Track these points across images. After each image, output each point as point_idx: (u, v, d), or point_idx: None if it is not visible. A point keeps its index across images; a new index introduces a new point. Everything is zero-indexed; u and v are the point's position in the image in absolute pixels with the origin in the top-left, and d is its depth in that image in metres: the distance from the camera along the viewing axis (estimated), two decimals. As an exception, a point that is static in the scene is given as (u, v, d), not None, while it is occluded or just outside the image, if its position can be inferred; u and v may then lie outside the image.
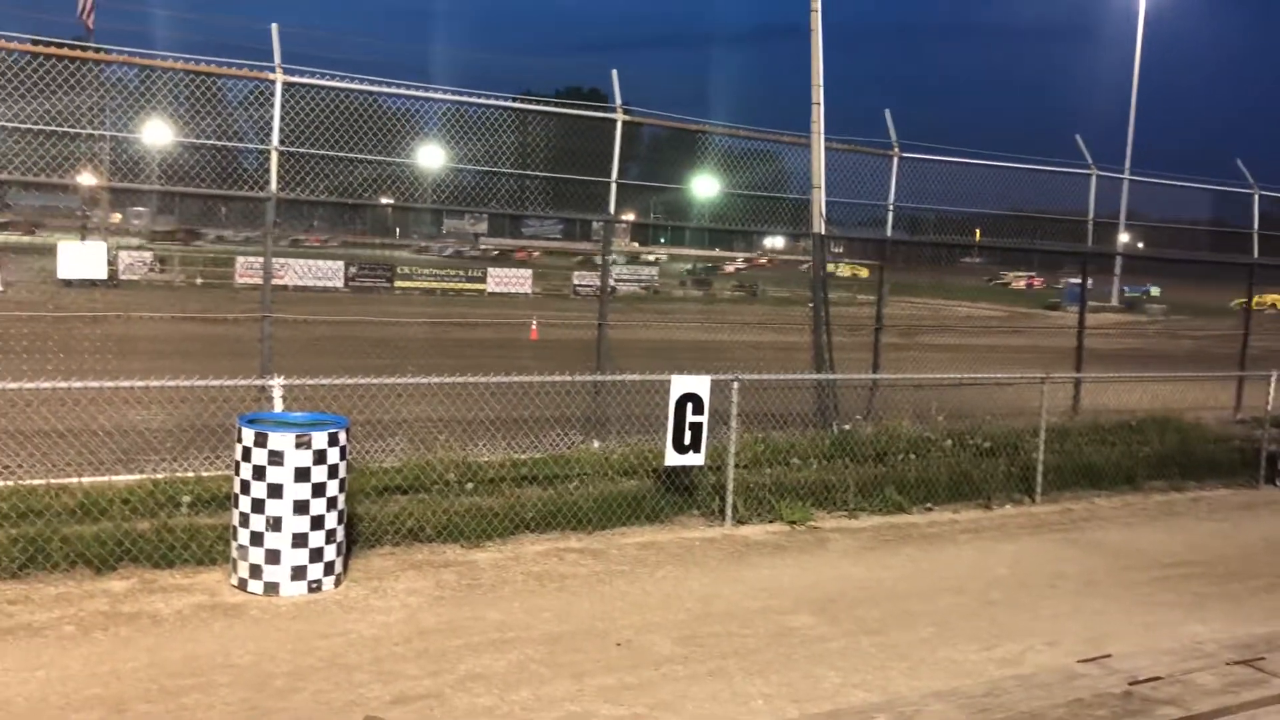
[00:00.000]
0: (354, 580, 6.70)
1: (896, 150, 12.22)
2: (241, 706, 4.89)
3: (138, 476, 7.70)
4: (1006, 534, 9.13)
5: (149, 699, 4.90)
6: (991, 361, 17.27)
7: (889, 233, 12.59)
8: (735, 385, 8.55)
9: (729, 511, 8.55)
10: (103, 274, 8.15)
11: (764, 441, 9.98)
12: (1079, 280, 16.75)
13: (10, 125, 8.40)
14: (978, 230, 14.30)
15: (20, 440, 7.99)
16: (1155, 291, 45.64)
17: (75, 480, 7.51)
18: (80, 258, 8.20)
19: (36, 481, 7.40)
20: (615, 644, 5.97)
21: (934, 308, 30.53)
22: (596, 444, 9.81)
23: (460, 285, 38.95)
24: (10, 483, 7.39)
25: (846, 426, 10.93)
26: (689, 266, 48.76)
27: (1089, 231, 14.14)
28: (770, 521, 8.69)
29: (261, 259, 9.66)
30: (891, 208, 12.38)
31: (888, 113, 12.31)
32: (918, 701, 5.37)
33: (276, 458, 6.25)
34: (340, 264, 36.02)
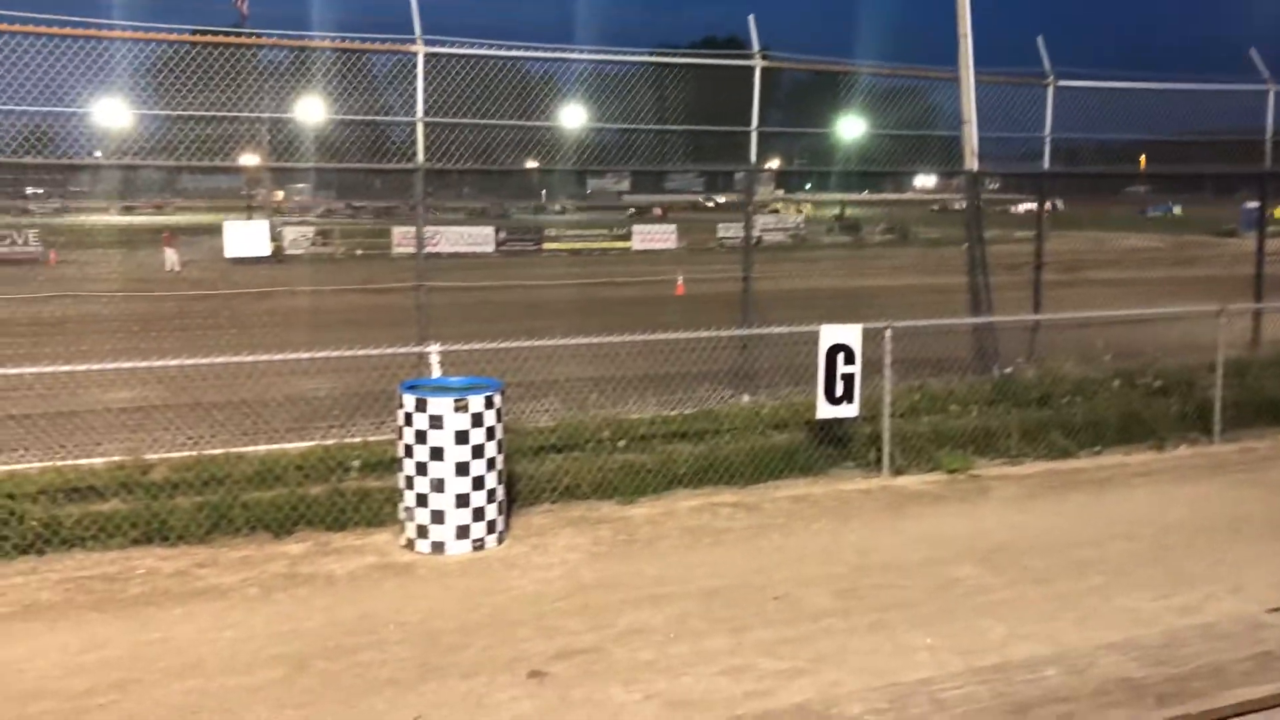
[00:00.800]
0: (515, 538, 6.88)
1: (1051, 79, 11.61)
2: (413, 662, 5.10)
3: (309, 443, 8.05)
4: (1182, 476, 8.68)
5: (327, 656, 5.16)
6: (1161, 295, 16.38)
7: (1046, 165, 12.01)
8: (888, 333, 8.35)
9: (886, 462, 8.40)
10: (266, 251, 8.55)
11: (920, 389, 9.73)
12: (1256, 204, 15.66)
13: (178, 113, 8.83)
14: (1142, 157, 13.51)
15: (200, 412, 8.48)
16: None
17: (252, 449, 7.93)
18: (245, 237, 8.61)
19: (216, 451, 7.83)
20: (772, 598, 5.96)
21: (1098, 240, 29.18)
22: (746, 398, 9.76)
23: (606, 244, 39.29)
24: (194, 453, 7.84)
25: (1008, 370, 10.55)
26: (836, 212, 47.87)
27: (1267, 152, 13.17)
28: (929, 471, 8.49)
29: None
30: (1048, 139, 11.80)
31: (1040, 40, 11.70)
32: (1090, 653, 5.17)
33: (437, 422, 6.45)
34: (490, 229, 36.80)
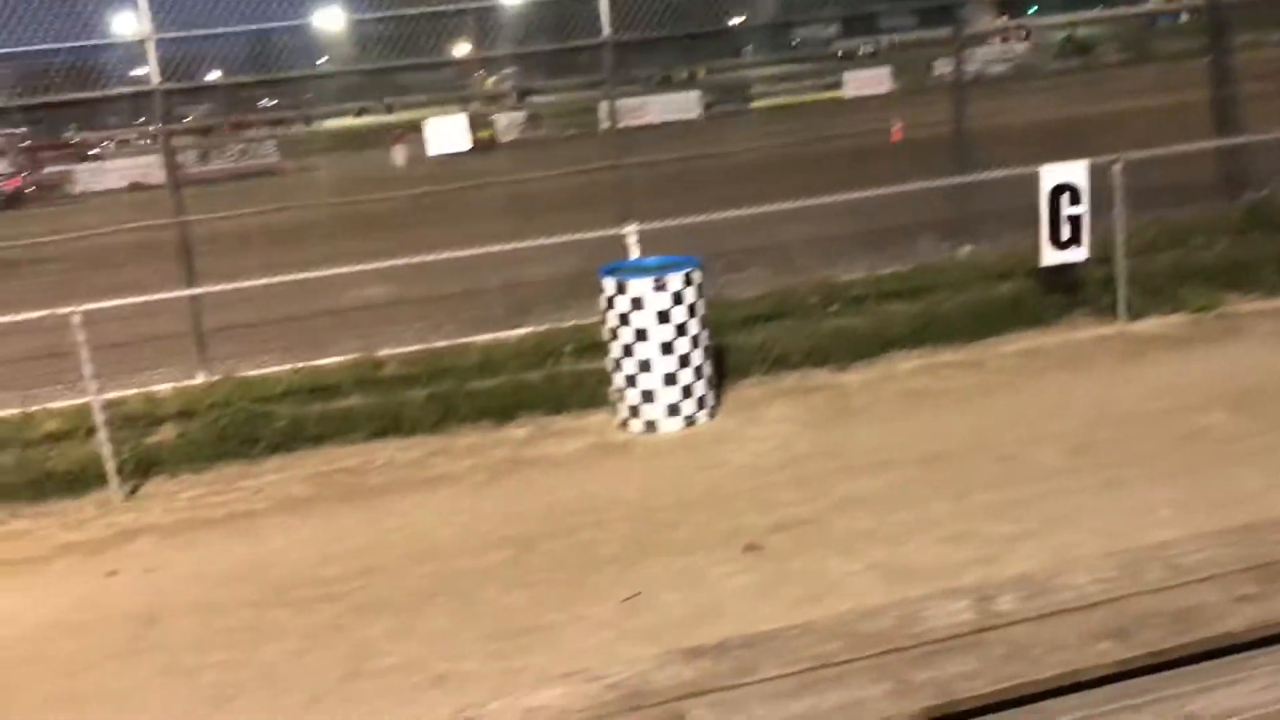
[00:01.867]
0: (727, 412, 6.88)
1: None
2: (632, 538, 5.22)
3: (525, 330, 8.28)
4: None
5: (551, 535, 5.36)
6: None
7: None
8: (1118, 168, 7.65)
9: (1121, 306, 7.80)
10: (465, 145, 8.71)
11: (1158, 224, 8.93)
12: None
13: (390, 14, 9.03)
14: None
15: (422, 306, 8.86)
16: None
17: (473, 339, 8.23)
18: (445, 132, 8.77)
19: (441, 344, 8.17)
20: (997, 459, 5.71)
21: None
22: (966, 249, 9.26)
23: (817, 95, 37.89)
24: (422, 346, 8.22)
25: (1262, 193, 9.51)
26: (1064, 34, 44.21)
27: None
28: (1170, 312, 7.82)
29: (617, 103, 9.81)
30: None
31: None
32: (1362, 505, 4.69)
33: (638, 303, 6.45)
34: (694, 94, 36.16)
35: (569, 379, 7.33)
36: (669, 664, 2.17)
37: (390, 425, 7.04)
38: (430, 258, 7.66)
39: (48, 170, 27.90)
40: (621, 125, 10.21)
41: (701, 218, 7.73)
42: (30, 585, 5.51)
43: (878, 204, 8.60)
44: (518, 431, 6.94)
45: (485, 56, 9.97)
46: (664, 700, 2.04)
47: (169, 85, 8.55)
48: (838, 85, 38.38)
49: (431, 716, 3.87)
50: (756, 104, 37.59)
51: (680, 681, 2.09)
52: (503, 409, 7.13)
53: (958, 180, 9.19)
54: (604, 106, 10.81)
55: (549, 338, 7.97)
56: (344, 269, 7.72)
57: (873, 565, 4.71)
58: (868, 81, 37.72)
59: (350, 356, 8.03)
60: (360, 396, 7.47)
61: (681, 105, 34.23)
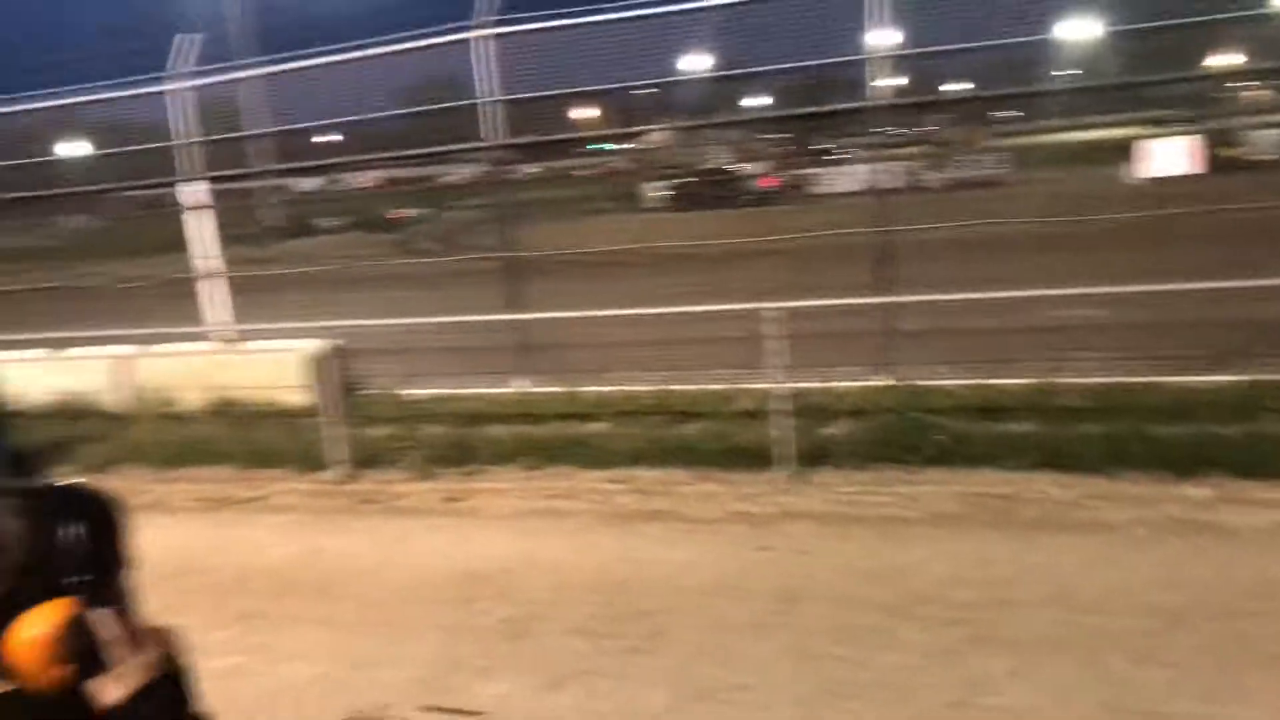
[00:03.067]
0: None
1: None
2: (1312, 644, 4.42)
3: (1227, 378, 7.37)
4: None
5: (1210, 615, 4.75)
6: None
7: None
8: None
9: None
10: (1191, 167, 7.93)
11: None
12: None
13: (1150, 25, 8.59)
14: None
15: (1118, 334, 8.30)
16: None
17: (1165, 379, 7.53)
18: (1170, 151, 8.08)
19: (1127, 379, 7.60)
20: None
21: None
22: None
23: None
24: (1106, 379, 7.73)
25: None
26: None
27: None
28: None
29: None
30: None
31: None
32: None
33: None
34: None
35: (1272, 440, 6.38)
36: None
37: (1053, 458, 6.75)
38: (1135, 289, 7.18)
39: (796, 172, 30.98)
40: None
41: None
42: (702, 543, 6.29)
43: None
44: (1196, 490, 6.22)
45: (1249, 68, 8.94)
46: None
47: (899, 100, 9.02)
48: None
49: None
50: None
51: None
52: (1183, 462, 6.44)
53: None
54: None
55: (1256, 390, 7.01)
56: (1036, 291, 7.55)
57: None
58: None
59: (1028, 380, 7.84)
60: (1029, 423, 7.27)
61: None
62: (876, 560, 5.81)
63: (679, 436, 7.77)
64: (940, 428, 7.21)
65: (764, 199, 28.63)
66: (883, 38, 8.67)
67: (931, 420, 7.29)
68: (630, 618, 5.33)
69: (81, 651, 1.31)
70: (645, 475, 7.45)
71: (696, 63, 9.91)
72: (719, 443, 7.51)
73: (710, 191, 28.00)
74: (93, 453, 8.88)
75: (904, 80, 9.47)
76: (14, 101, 10.60)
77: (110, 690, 1.32)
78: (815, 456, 7.24)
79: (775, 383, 7.16)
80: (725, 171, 31.10)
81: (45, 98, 10.64)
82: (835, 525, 6.36)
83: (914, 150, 26.75)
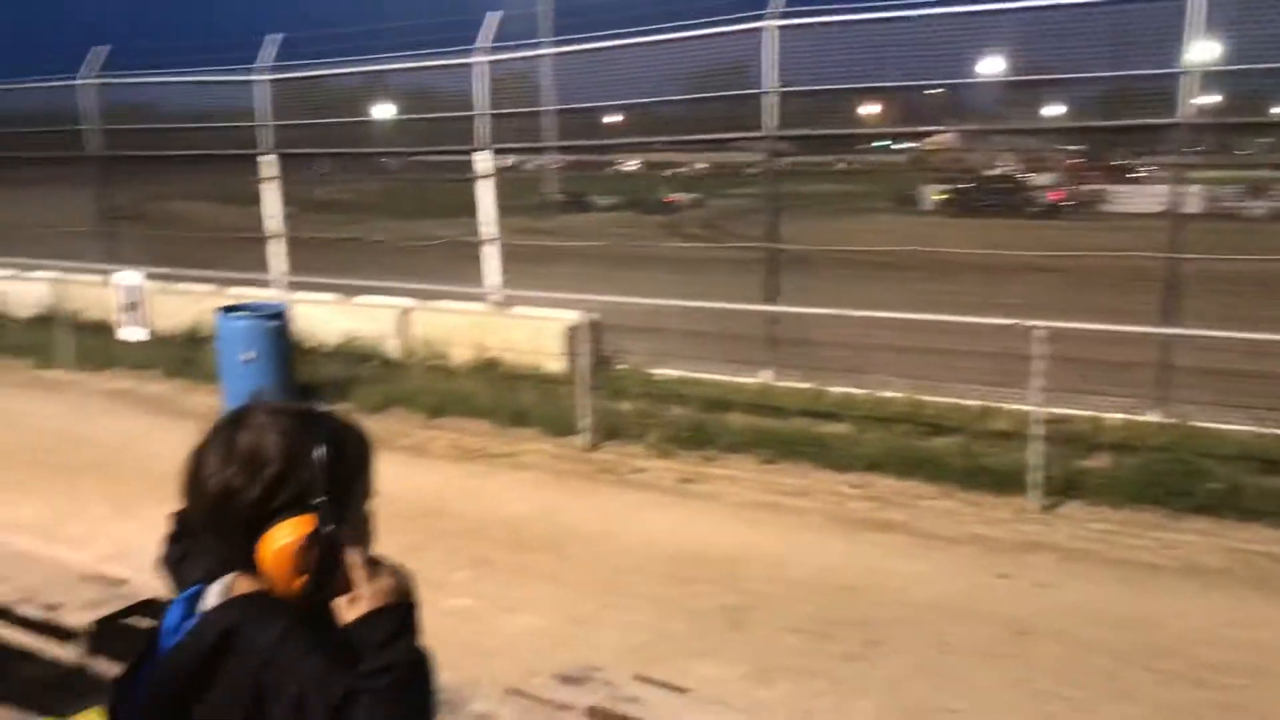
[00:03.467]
0: None
1: None
2: None
3: None
4: None
5: None
6: None
7: None
8: None
9: None
10: None
11: None
12: None
13: None
14: None
15: None
16: None
17: None
18: None
19: None
20: None
21: None
22: None
23: None
24: None
25: None
26: None
27: None
28: None
29: None
30: None
31: None
32: None
33: None
34: None
35: None
36: None
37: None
38: None
39: (1086, 187, 29.22)
40: None
41: None
42: (935, 560, 6.09)
43: None
44: None
45: None
46: None
47: (1217, 120, 8.34)
48: None
49: None
50: None
51: None
52: None
53: None
54: None
55: None
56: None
57: None
58: None
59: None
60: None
61: None
62: (1120, 604, 5.45)
63: (925, 448, 7.54)
64: (1214, 474, 6.64)
65: (1050, 211, 27.24)
66: (1201, 51, 8.02)
67: (1205, 465, 6.72)
68: (850, 623, 5.26)
69: (320, 566, 1.43)
70: (884, 483, 7.30)
71: (991, 65, 9.52)
72: (967, 460, 7.23)
73: (993, 199, 26.87)
74: (369, 393, 9.61)
75: (1220, 98, 8.72)
76: (334, 65, 11.57)
77: (347, 609, 1.44)
78: (1068, 487, 6.85)
79: (1035, 404, 6.81)
80: (1012, 179, 29.75)
81: (362, 63, 11.56)
82: (1081, 562, 6.01)
83: (1229, 174, 24.60)
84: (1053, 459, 6.85)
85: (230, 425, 1.50)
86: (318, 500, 1.45)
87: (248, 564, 1.47)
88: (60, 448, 8.39)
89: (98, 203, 13.63)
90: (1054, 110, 11.38)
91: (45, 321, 12.50)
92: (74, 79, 13.05)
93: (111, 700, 1.53)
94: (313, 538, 1.43)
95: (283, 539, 1.43)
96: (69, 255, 12.91)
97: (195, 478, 1.49)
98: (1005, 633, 5.14)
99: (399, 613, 1.45)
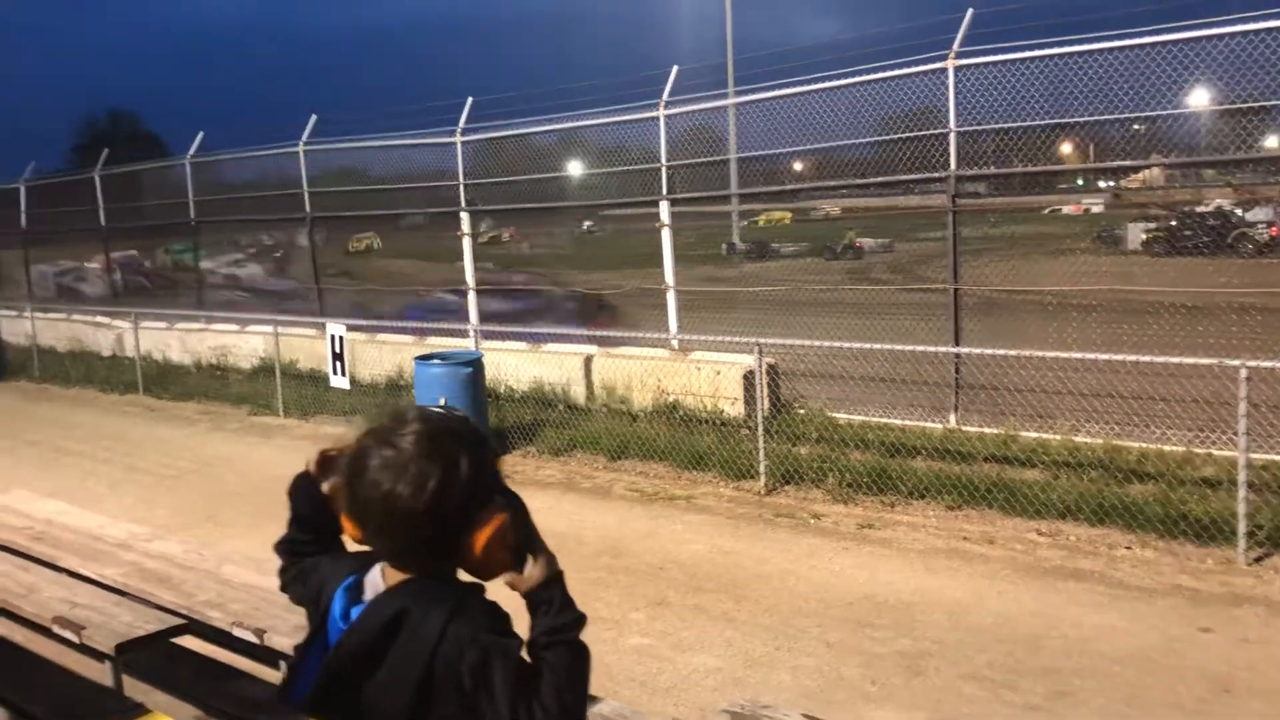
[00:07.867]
0: None
1: None
2: None
3: None
4: None
5: None
6: None
7: None
8: None
9: None
10: None
11: None
12: None
13: None
14: None
15: None
16: None
17: None
18: None
19: None
20: None
21: None
22: None
23: None
24: None
25: None
26: None
27: None
28: None
29: None
30: None
31: None
32: None
33: None
34: None
35: None
36: None
37: None
38: None
39: (1295, 217, 27.17)
40: None
41: None
42: (1129, 611, 5.78)
43: None
44: None
45: None
46: None
47: None
48: None
49: None
50: None
51: None
52: None
53: None
54: None
55: None
56: None
57: None
58: None
59: None
60: None
61: None
62: (1338, 665, 5.03)
63: (1121, 495, 7.16)
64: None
65: (1269, 247, 25.46)
66: None
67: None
68: (1034, 673, 5.05)
69: (517, 544, 1.65)
70: (1076, 531, 6.98)
71: (1196, 96, 9.09)
72: (1167, 508, 6.83)
73: (1201, 237, 25.32)
74: (555, 436, 9.91)
75: None
76: (522, 125, 12.12)
77: (525, 578, 1.66)
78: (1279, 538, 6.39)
79: (1244, 450, 6.39)
80: (1224, 215, 27.99)
81: (555, 120, 12.06)
82: (1292, 618, 5.58)
83: None
84: (1263, 508, 6.40)
85: (387, 441, 1.65)
86: (498, 500, 1.66)
87: (414, 559, 1.65)
88: (270, 488, 9.00)
89: (311, 260, 14.65)
90: (1273, 141, 10.71)
91: (262, 372, 13.50)
92: (294, 145, 14.13)
93: (282, 686, 1.70)
94: (508, 521, 1.64)
95: (490, 529, 1.63)
96: (286, 310, 13.95)
97: (367, 492, 1.65)
98: (1205, 690, 4.83)
99: (563, 578, 1.69)
